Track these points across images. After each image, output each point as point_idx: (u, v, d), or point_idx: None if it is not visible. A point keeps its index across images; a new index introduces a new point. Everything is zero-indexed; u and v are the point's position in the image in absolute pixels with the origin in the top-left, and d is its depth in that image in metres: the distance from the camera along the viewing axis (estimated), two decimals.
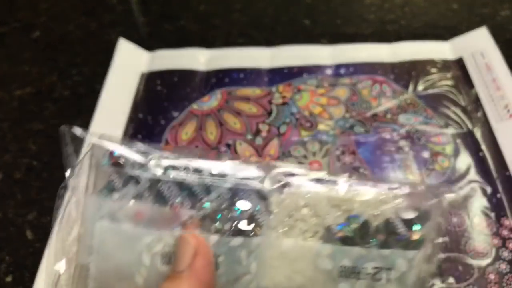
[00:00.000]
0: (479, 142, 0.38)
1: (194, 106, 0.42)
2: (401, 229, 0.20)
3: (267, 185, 0.21)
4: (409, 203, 0.20)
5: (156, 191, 0.21)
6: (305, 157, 0.38)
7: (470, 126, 0.39)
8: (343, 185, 0.21)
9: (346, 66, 0.44)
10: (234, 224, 0.20)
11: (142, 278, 0.20)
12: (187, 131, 0.40)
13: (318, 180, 0.22)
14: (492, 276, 0.30)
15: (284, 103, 0.42)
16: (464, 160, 0.37)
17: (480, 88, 0.41)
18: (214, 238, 0.20)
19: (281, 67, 0.45)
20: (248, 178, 0.21)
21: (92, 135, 0.23)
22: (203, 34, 0.51)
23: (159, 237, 0.20)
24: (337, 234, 0.20)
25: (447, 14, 0.51)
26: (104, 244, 0.21)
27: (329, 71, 0.44)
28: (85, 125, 0.41)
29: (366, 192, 0.21)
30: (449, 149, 0.38)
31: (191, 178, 0.21)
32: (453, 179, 0.36)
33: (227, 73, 0.45)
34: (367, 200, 0.20)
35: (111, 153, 0.22)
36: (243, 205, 0.21)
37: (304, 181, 0.22)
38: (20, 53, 0.50)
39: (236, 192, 0.21)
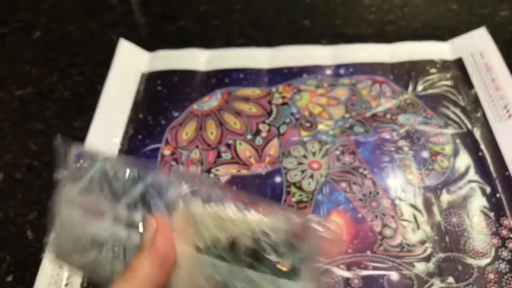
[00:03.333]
0: (478, 142, 0.38)
1: (194, 106, 0.42)
2: (271, 255, 0.19)
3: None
4: (286, 231, 0.19)
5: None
6: (305, 157, 0.38)
7: (469, 126, 0.39)
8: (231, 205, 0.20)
9: (346, 66, 0.44)
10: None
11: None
12: (187, 131, 0.40)
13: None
14: (491, 276, 0.30)
15: (284, 103, 0.42)
16: (464, 160, 0.37)
17: (479, 88, 0.42)
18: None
19: (281, 67, 0.45)
20: None
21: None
22: (203, 35, 0.51)
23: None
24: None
25: (447, 15, 0.51)
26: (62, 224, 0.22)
27: (328, 72, 0.44)
28: (86, 125, 0.41)
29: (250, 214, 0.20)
30: (448, 149, 0.38)
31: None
32: (452, 179, 0.36)
33: (227, 73, 0.45)
34: (242, 220, 0.19)
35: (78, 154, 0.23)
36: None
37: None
38: (21, 53, 0.50)
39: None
